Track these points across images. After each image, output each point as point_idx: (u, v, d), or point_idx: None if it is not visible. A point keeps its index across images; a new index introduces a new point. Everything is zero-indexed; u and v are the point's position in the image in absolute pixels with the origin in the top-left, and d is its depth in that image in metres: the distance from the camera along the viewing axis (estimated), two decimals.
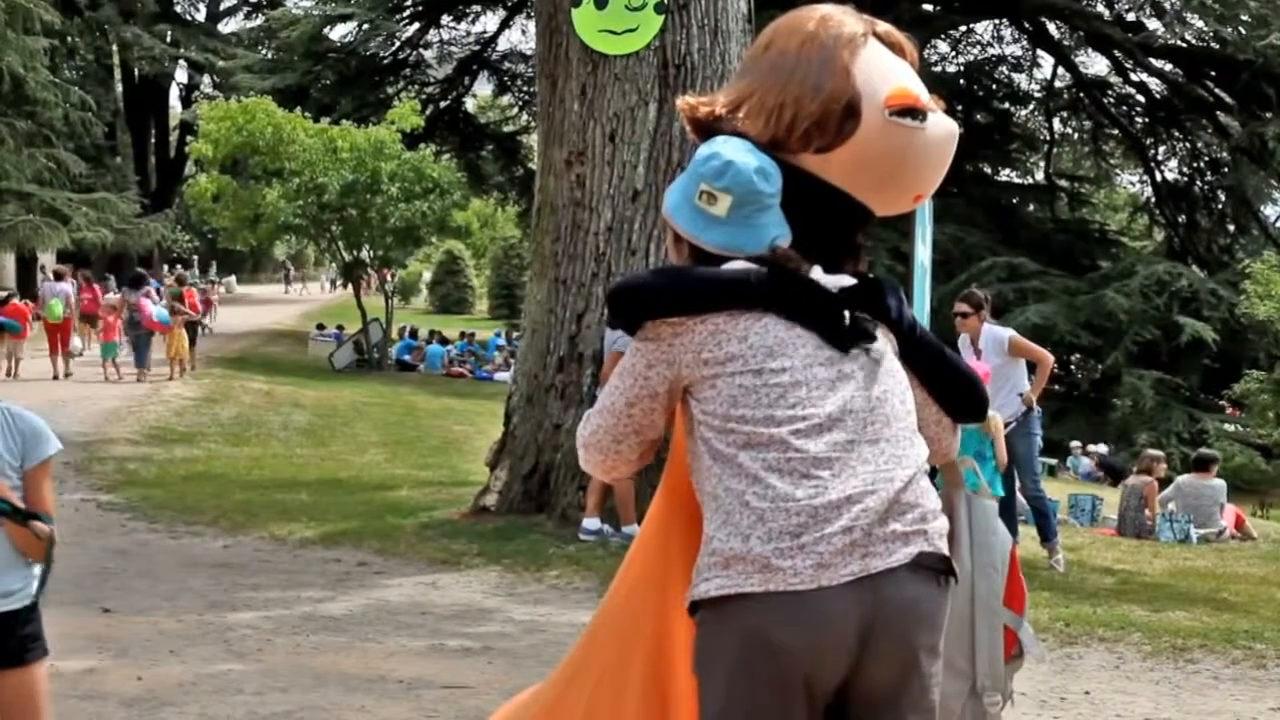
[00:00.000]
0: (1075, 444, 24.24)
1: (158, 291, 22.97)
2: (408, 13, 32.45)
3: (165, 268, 46.26)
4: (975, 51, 33.87)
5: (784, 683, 2.12)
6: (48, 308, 20.41)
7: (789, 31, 2.37)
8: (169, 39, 43.25)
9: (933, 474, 2.85)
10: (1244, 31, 26.68)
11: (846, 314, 2.24)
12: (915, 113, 2.28)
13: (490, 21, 34.16)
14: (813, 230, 2.31)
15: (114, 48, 43.65)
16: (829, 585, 2.09)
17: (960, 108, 32.33)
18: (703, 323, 2.23)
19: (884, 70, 2.31)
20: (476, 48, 33.64)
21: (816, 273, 2.28)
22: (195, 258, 54.80)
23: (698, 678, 2.21)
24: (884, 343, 2.30)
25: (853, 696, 2.17)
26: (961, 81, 32.58)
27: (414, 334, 31.02)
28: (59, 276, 22.48)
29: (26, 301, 23.26)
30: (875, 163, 2.30)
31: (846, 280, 2.31)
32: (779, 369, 2.19)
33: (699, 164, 2.30)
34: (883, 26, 2.38)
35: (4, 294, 23.44)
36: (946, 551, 2.21)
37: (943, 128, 2.34)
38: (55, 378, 19.51)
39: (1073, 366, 30.37)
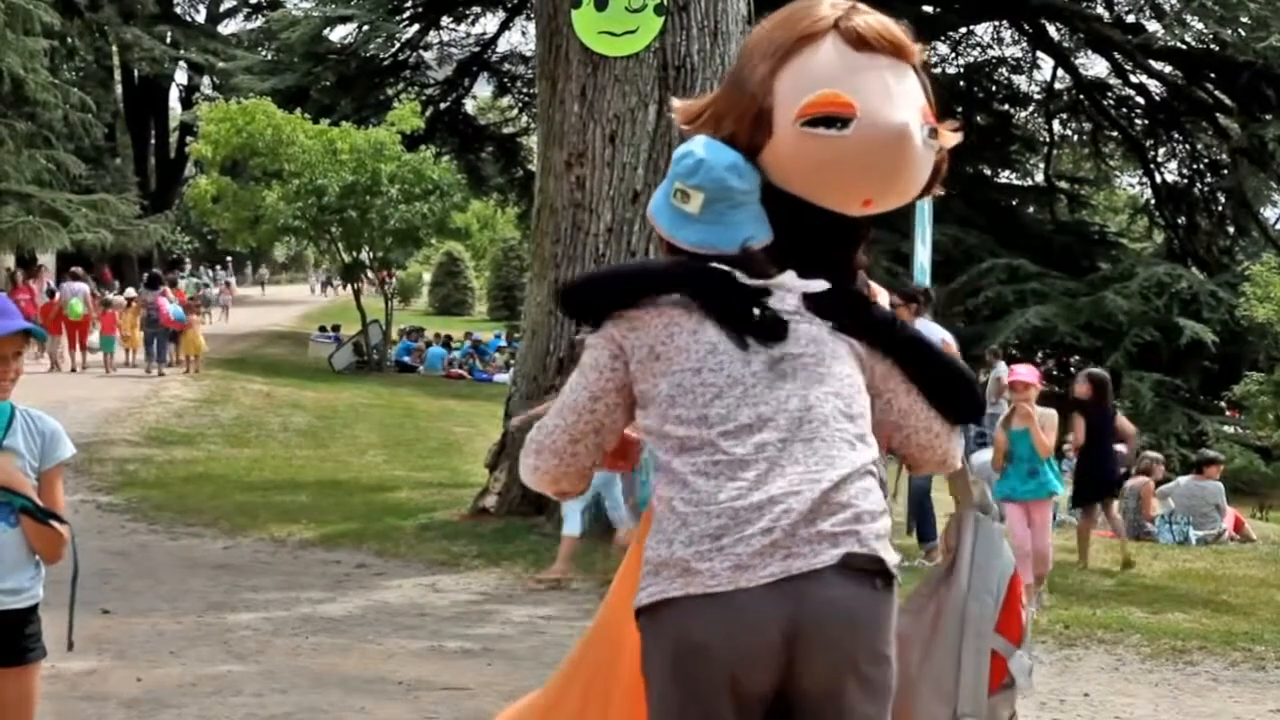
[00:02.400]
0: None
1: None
2: (407, 14, 32.41)
3: (201, 269, 47.09)
4: (975, 53, 33.87)
5: (709, 685, 2.10)
6: (68, 306, 22.06)
7: (753, 35, 2.38)
8: (169, 40, 43.23)
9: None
10: (1244, 33, 26.67)
11: (758, 310, 2.22)
12: (832, 120, 2.20)
13: (490, 23, 34.09)
14: (789, 233, 2.29)
15: (114, 49, 43.62)
16: (747, 586, 2.07)
17: (960, 109, 32.25)
18: (659, 315, 2.23)
19: (818, 75, 2.23)
20: (476, 49, 33.61)
21: (788, 276, 2.26)
22: (230, 259, 55.26)
23: (644, 681, 2.20)
24: (830, 345, 2.25)
25: (793, 700, 2.14)
26: (961, 83, 32.57)
27: (412, 335, 31.01)
28: (76, 277, 24.02)
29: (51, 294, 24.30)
30: (796, 171, 2.27)
31: (817, 285, 2.27)
32: (716, 367, 2.19)
33: (675, 163, 2.31)
34: (851, 21, 2.27)
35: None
36: (883, 553, 2.15)
37: (877, 132, 2.21)
38: (73, 370, 21.46)
39: (1072, 369, 30.37)
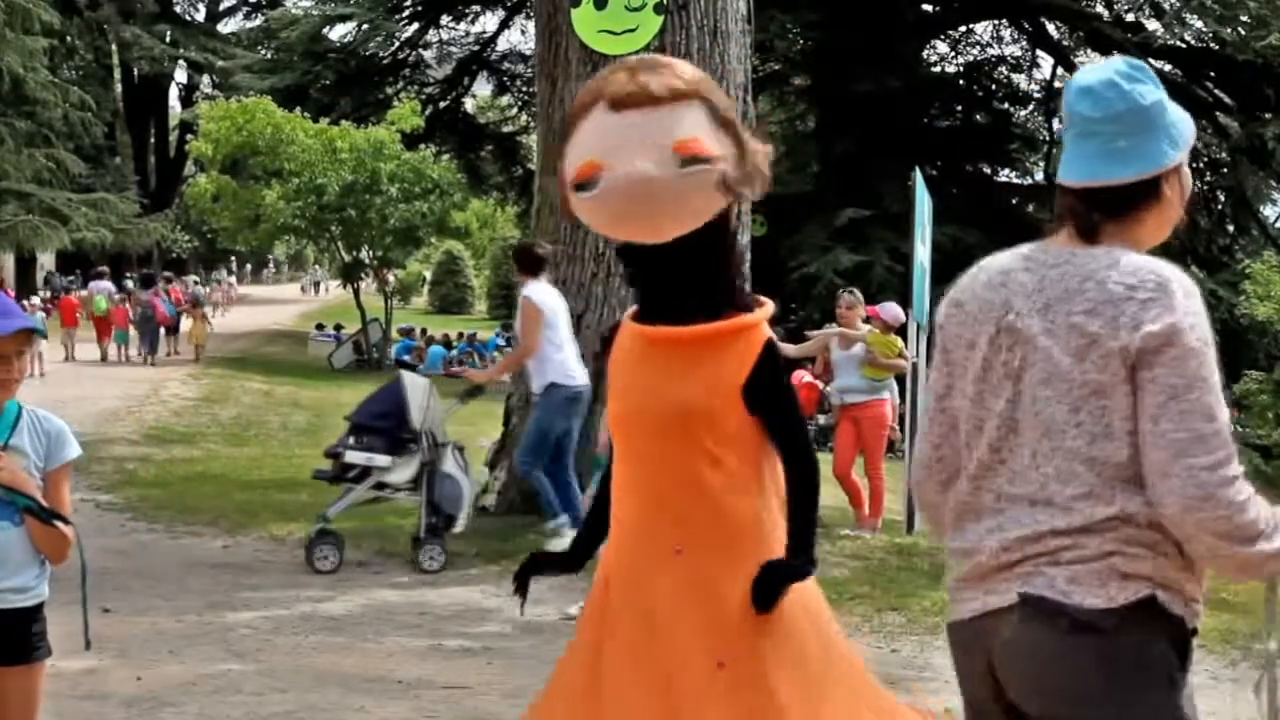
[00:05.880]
0: None
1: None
2: (407, 13, 32.39)
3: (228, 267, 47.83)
4: (975, 52, 33.87)
5: None
6: (94, 302, 23.75)
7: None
8: (169, 39, 43.27)
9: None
10: (1243, 32, 26.66)
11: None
12: (584, 184, 2.51)
13: (490, 22, 34.15)
14: (632, 261, 2.69)
15: (113, 48, 43.68)
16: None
17: (960, 108, 32.29)
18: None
19: (580, 146, 2.55)
20: (476, 48, 33.59)
21: None
22: (262, 261, 55.54)
23: None
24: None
25: None
26: (961, 82, 32.59)
27: (410, 333, 31.00)
28: (101, 275, 26.07)
29: (76, 295, 25.67)
30: (591, 224, 2.65)
31: None
32: None
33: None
34: (608, 86, 2.51)
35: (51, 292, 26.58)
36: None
37: (617, 184, 2.48)
38: (102, 358, 23.11)
39: None
